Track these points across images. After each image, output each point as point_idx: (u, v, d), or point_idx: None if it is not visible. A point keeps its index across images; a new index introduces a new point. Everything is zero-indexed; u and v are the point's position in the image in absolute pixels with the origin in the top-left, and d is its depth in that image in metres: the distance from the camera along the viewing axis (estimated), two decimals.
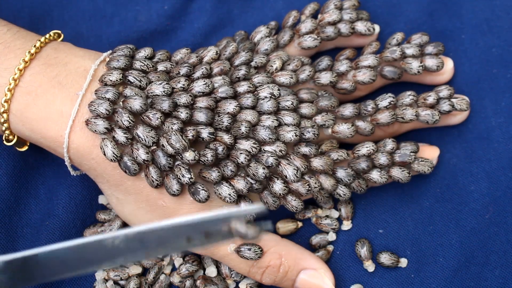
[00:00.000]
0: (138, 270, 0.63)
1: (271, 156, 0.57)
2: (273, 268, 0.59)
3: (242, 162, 0.56)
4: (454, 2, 0.70)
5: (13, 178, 0.64)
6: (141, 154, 0.56)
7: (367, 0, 0.70)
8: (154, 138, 0.56)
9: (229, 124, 0.57)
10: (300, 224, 0.64)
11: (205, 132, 0.56)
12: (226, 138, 0.57)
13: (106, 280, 0.63)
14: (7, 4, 0.69)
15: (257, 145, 0.57)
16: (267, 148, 0.57)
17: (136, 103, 0.56)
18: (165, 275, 0.63)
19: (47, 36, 0.59)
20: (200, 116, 0.57)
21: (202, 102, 0.57)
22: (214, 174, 0.56)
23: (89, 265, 0.49)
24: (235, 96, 0.59)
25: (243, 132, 0.57)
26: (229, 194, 0.57)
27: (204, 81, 0.58)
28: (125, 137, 0.56)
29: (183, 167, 0.56)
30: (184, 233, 0.46)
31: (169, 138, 0.55)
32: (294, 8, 0.68)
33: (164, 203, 0.58)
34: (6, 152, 0.64)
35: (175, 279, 0.63)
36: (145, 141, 0.56)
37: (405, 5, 0.70)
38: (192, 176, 0.56)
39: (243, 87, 0.59)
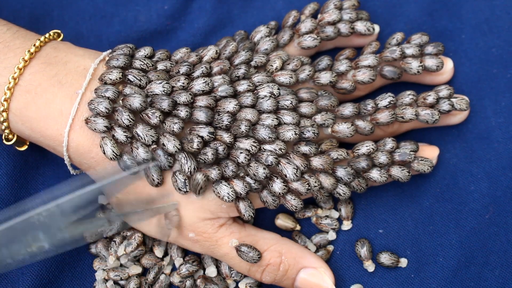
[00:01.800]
0: (138, 270, 0.63)
1: (271, 155, 0.57)
2: (273, 266, 0.59)
3: (242, 162, 0.56)
4: (454, 2, 0.70)
5: (13, 178, 0.64)
6: (141, 153, 0.56)
7: (367, 0, 0.70)
8: (153, 137, 0.56)
9: (229, 123, 0.57)
10: (298, 227, 0.64)
11: (204, 132, 0.56)
12: (226, 137, 0.57)
13: (106, 280, 0.63)
14: (7, 4, 0.69)
15: (257, 143, 0.57)
16: (267, 146, 0.57)
17: (136, 101, 0.56)
18: (165, 275, 0.63)
19: (47, 35, 0.59)
20: (200, 115, 0.57)
21: (202, 101, 0.57)
22: (214, 173, 0.56)
23: (19, 249, 0.52)
24: (235, 95, 0.59)
25: (243, 131, 0.57)
26: (228, 193, 0.57)
27: (203, 79, 0.58)
28: (124, 135, 0.56)
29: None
30: (96, 201, 0.55)
31: (168, 142, 0.56)
32: (294, 8, 0.68)
33: (164, 203, 0.58)
34: (6, 152, 0.64)
35: (175, 279, 0.63)
36: (145, 140, 0.56)
37: (405, 5, 0.70)
38: (195, 167, 0.57)
39: (243, 86, 0.59)
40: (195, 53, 0.61)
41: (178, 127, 0.56)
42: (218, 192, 0.57)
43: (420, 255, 0.63)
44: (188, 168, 0.56)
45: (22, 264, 0.54)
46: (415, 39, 0.65)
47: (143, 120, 0.56)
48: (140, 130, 0.56)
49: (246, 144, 0.57)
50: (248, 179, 0.57)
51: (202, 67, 0.59)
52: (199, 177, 0.56)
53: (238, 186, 0.57)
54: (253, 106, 0.59)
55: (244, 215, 0.58)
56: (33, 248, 0.53)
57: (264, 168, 0.56)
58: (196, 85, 0.58)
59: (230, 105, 0.58)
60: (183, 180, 0.57)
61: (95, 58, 0.59)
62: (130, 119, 0.56)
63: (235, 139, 0.57)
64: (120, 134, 0.56)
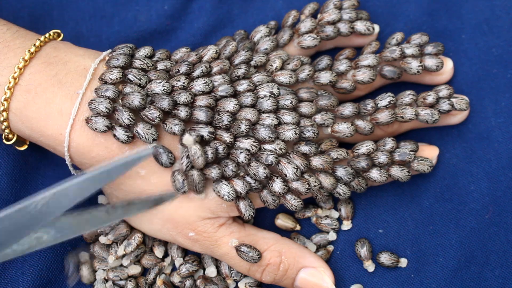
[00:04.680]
0: (138, 270, 0.63)
1: (271, 155, 0.57)
2: (273, 266, 0.59)
3: (242, 162, 0.56)
4: (454, 2, 0.70)
5: (13, 178, 0.64)
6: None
7: (367, 0, 0.70)
8: (154, 135, 0.56)
9: (228, 123, 0.57)
10: (298, 227, 0.64)
11: (205, 131, 0.57)
12: (226, 136, 0.57)
13: (106, 280, 0.63)
14: (7, 4, 0.69)
15: (257, 143, 0.57)
16: (267, 146, 0.57)
17: (136, 99, 0.56)
18: (165, 275, 0.63)
19: (47, 35, 0.59)
20: (200, 115, 0.57)
21: (202, 101, 0.58)
22: (214, 172, 0.56)
23: (15, 238, 0.51)
24: (235, 94, 0.59)
25: (243, 131, 0.57)
26: (228, 193, 0.57)
27: (204, 80, 0.58)
28: (125, 135, 0.56)
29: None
30: (92, 189, 0.50)
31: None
32: (294, 8, 0.68)
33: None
34: (6, 152, 0.64)
35: (175, 279, 0.63)
36: (146, 138, 0.56)
37: (405, 5, 0.70)
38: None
39: (243, 85, 0.59)
40: (194, 53, 0.61)
41: (179, 129, 0.56)
42: (218, 191, 0.57)
43: (420, 255, 0.63)
44: (186, 165, 0.56)
45: (21, 254, 0.53)
46: (415, 39, 0.65)
47: (143, 119, 0.57)
48: (141, 128, 0.56)
49: (246, 143, 0.57)
50: (248, 178, 0.57)
51: (201, 67, 0.59)
52: (195, 173, 0.56)
53: (238, 185, 0.57)
54: (253, 106, 0.59)
55: (244, 214, 0.58)
56: (31, 238, 0.53)
57: (264, 168, 0.56)
58: (196, 85, 0.58)
59: (230, 104, 0.58)
60: (181, 180, 0.57)
61: (95, 58, 0.59)
62: (130, 118, 0.56)
63: (235, 138, 0.57)
64: (121, 133, 0.56)
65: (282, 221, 0.64)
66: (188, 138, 0.56)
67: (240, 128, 0.57)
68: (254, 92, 0.59)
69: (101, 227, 0.56)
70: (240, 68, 0.60)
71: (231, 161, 0.57)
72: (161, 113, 0.56)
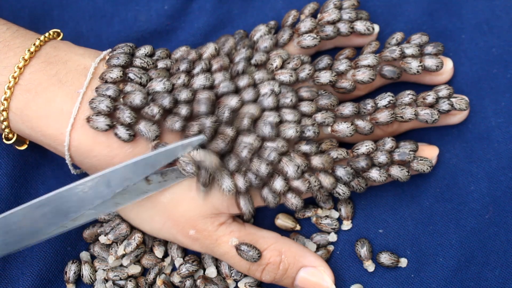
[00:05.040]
0: (137, 269, 0.63)
1: (274, 151, 0.57)
2: (273, 265, 0.59)
3: (245, 156, 0.56)
4: (454, 2, 0.70)
5: (13, 178, 0.64)
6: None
7: (367, 0, 0.70)
8: (157, 131, 0.56)
9: (229, 115, 0.57)
10: (298, 227, 0.64)
11: (208, 121, 0.56)
12: (229, 131, 0.57)
13: (106, 280, 0.63)
14: (7, 4, 0.69)
15: (260, 138, 0.57)
16: (269, 144, 0.57)
17: (137, 98, 0.56)
18: (165, 275, 0.63)
19: (47, 34, 0.59)
20: (200, 107, 0.57)
21: (202, 95, 0.57)
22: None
23: (63, 218, 0.55)
24: (237, 91, 0.59)
25: (245, 124, 0.57)
26: (228, 185, 0.57)
27: (204, 75, 0.58)
28: (127, 133, 0.56)
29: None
30: (142, 173, 0.55)
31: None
32: (294, 8, 0.68)
33: (165, 198, 0.58)
34: (6, 152, 0.64)
35: (175, 279, 0.63)
36: (148, 135, 0.56)
37: (405, 5, 0.70)
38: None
39: (243, 80, 0.59)
40: (194, 50, 0.61)
41: (180, 125, 0.56)
42: (220, 182, 0.57)
43: (420, 255, 0.63)
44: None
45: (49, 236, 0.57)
46: (415, 39, 0.65)
47: (144, 117, 0.57)
48: (143, 126, 0.56)
49: (249, 138, 0.57)
50: (250, 174, 0.57)
51: (201, 64, 0.60)
52: (204, 174, 0.56)
53: (239, 181, 0.57)
54: (255, 101, 0.59)
55: (243, 209, 0.58)
56: (68, 220, 0.56)
57: (267, 165, 0.56)
58: (197, 81, 0.58)
59: (233, 101, 0.58)
60: (187, 161, 0.57)
61: (95, 57, 0.59)
62: (132, 116, 0.56)
63: (238, 134, 0.57)
64: (122, 132, 0.56)
65: (282, 221, 0.64)
66: (197, 154, 0.56)
67: (243, 122, 0.57)
68: (255, 90, 0.59)
69: (142, 197, 0.58)
70: (240, 62, 0.60)
71: (234, 155, 0.57)
72: (162, 109, 0.56)
